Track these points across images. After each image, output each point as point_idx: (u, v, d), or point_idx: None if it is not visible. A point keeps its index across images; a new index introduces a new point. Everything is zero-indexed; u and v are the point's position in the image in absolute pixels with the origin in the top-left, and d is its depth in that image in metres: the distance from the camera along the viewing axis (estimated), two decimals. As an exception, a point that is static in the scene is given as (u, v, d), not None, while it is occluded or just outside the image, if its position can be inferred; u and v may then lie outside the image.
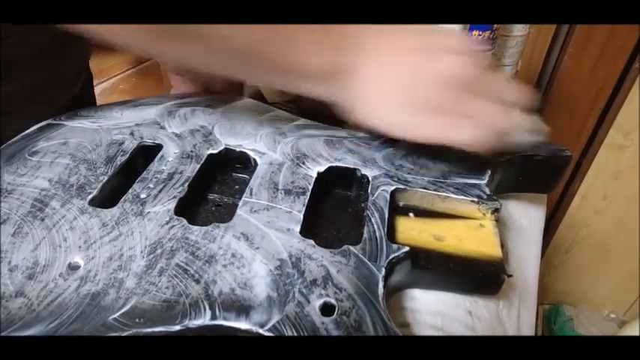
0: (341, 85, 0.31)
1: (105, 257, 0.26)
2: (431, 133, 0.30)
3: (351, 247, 0.27)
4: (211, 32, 0.28)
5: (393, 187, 0.32)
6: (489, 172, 0.33)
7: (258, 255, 0.26)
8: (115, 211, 0.29)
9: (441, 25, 0.46)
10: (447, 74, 0.30)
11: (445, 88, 0.30)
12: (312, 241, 0.27)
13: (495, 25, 0.51)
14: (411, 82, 0.30)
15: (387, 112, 0.31)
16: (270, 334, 0.23)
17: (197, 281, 0.25)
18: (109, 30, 0.27)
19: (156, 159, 0.33)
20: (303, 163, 0.33)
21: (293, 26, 0.29)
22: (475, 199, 0.31)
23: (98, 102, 0.46)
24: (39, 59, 0.38)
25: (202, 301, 0.24)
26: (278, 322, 0.23)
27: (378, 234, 0.28)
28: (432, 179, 0.33)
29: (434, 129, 0.30)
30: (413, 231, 0.31)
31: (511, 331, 0.31)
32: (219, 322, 0.23)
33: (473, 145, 0.30)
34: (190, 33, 0.28)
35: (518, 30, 0.57)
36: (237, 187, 0.35)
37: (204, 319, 0.23)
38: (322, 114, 0.36)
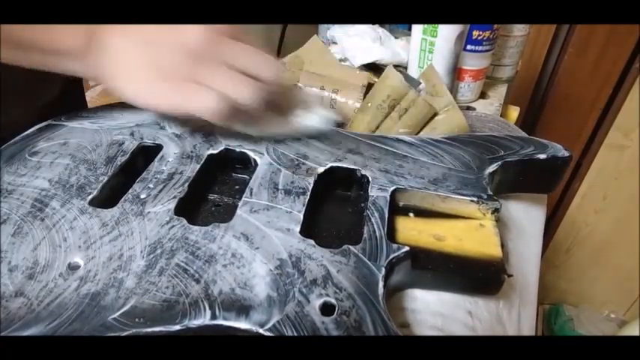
0: (92, 61, 0.31)
1: (105, 257, 0.26)
2: (165, 102, 0.31)
3: (351, 247, 0.27)
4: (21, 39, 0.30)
5: (393, 187, 0.32)
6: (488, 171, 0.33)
7: (258, 255, 0.26)
8: (115, 211, 0.29)
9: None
10: (182, 42, 0.30)
11: (181, 57, 0.30)
12: (312, 241, 0.27)
13: (495, 25, 0.51)
14: (150, 53, 0.31)
15: (129, 82, 0.31)
16: (270, 334, 0.23)
17: (197, 281, 0.25)
18: None
19: (156, 159, 0.33)
20: (303, 164, 0.33)
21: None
22: (475, 199, 0.31)
23: (98, 102, 0.46)
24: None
25: (202, 301, 0.24)
26: (278, 321, 0.23)
27: (378, 234, 0.28)
28: (431, 179, 0.33)
29: (168, 98, 0.31)
30: (413, 231, 0.31)
31: (511, 332, 0.31)
32: (219, 321, 0.23)
33: (207, 115, 0.31)
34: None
35: (518, 30, 0.57)
36: (237, 187, 0.35)
37: (204, 319, 0.23)
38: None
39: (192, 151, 0.34)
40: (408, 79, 0.46)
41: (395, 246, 0.27)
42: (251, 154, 0.34)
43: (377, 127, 0.41)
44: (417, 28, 0.49)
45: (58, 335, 0.22)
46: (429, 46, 0.49)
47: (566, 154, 0.35)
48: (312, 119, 0.35)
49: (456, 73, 0.52)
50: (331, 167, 0.33)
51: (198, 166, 0.33)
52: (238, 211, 0.29)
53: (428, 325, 0.28)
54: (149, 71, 0.31)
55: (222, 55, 0.31)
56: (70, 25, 0.30)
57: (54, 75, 0.32)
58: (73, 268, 0.25)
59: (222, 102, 0.30)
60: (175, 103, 0.31)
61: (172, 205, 0.29)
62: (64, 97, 0.46)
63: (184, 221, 0.28)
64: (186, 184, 0.31)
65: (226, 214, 0.33)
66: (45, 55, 0.31)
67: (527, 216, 0.39)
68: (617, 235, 0.98)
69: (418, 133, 0.41)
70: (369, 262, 0.26)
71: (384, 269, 0.26)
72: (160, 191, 0.30)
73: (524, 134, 0.48)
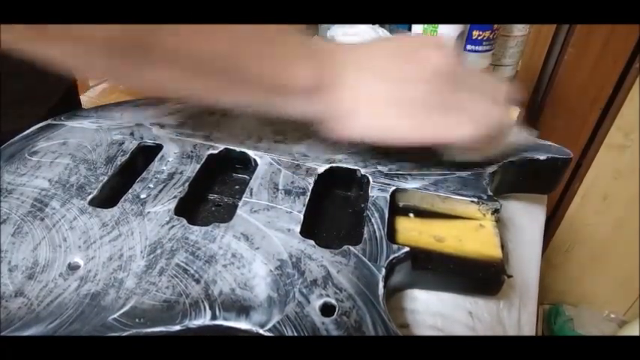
0: (324, 99, 0.29)
1: (105, 257, 0.26)
2: (426, 134, 0.30)
3: (351, 248, 0.27)
4: (181, 52, 0.25)
5: (393, 188, 0.32)
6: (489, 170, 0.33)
7: (259, 255, 0.26)
8: (115, 211, 0.29)
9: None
10: (431, 70, 0.29)
11: (432, 85, 0.29)
12: (312, 242, 0.27)
13: (495, 25, 0.51)
14: (398, 85, 0.29)
15: (379, 119, 0.30)
16: (270, 334, 0.23)
17: (197, 281, 0.25)
18: (59, 49, 0.24)
19: (156, 159, 0.33)
20: (304, 164, 0.33)
21: (264, 37, 0.27)
22: (475, 200, 0.31)
23: (98, 102, 0.46)
24: (15, 76, 0.37)
25: (202, 301, 0.24)
26: (278, 322, 0.23)
27: (378, 234, 0.28)
28: (432, 179, 0.33)
29: (429, 129, 0.30)
30: (413, 231, 0.31)
31: (511, 332, 0.31)
32: (220, 322, 0.23)
33: (469, 143, 0.30)
34: (157, 54, 0.24)
35: (518, 30, 0.57)
36: (237, 187, 0.35)
37: (204, 319, 0.23)
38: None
39: (192, 151, 0.34)
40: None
41: (395, 246, 0.27)
42: (251, 154, 0.34)
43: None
44: (417, 28, 0.49)
45: (58, 335, 0.22)
46: (429, 46, 0.49)
47: (567, 154, 0.35)
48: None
49: (456, 73, 0.52)
50: (331, 167, 0.33)
51: (199, 166, 0.33)
52: (238, 212, 0.29)
53: (428, 326, 0.28)
54: (397, 106, 0.29)
55: (463, 79, 0.30)
56: (301, 58, 0.28)
57: (59, 81, 0.31)
58: (73, 268, 0.25)
59: (479, 128, 0.29)
60: (436, 135, 0.30)
61: (172, 205, 0.29)
62: (63, 100, 0.46)
63: (184, 221, 0.28)
64: (187, 184, 0.31)
65: (226, 214, 0.33)
66: (266, 92, 0.28)
67: (527, 216, 0.39)
68: (617, 235, 0.98)
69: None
70: (369, 263, 0.26)
71: (384, 270, 0.26)
72: (160, 191, 0.30)
73: (524, 134, 0.48)
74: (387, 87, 0.29)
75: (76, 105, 0.52)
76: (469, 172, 0.33)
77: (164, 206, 0.29)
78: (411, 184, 0.32)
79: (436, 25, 0.47)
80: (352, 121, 0.30)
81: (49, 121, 0.37)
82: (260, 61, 0.27)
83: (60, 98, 0.44)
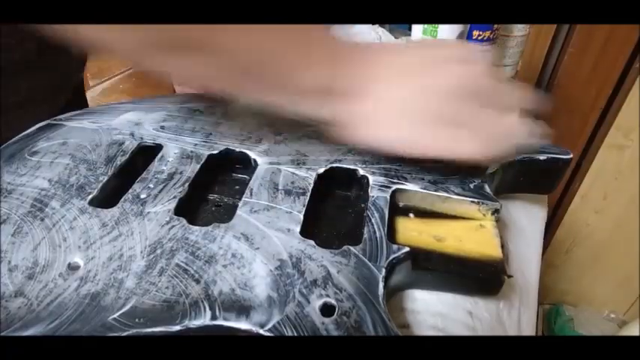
0: (339, 104, 0.30)
1: (105, 257, 0.26)
2: (441, 148, 0.30)
3: (352, 248, 0.27)
4: (214, 45, 0.26)
5: (393, 188, 0.32)
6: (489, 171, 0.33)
7: (259, 255, 0.26)
8: (115, 211, 0.29)
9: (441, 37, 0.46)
10: (454, 86, 0.29)
11: (454, 101, 0.29)
12: (312, 242, 0.27)
13: (495, 25, 0.51)
14: (418, 97, 0.29)
15: (394, 129, 0.30)
16: (270, 334, 0.23)
17: (197, 281, 0.25)
18: (99, 33, 0.25)
19: (156, 159, 0.33)
20: (304, 164, 0.33)
21: (289, 40, 0.28)
22: (475, 200, 0.31)
23: (98, 102, 0.46)
24: (26, 71, 0.38)
25: (202, 301, 0.24)
26: (278, 322, 0.23)
27: (378, 234, 0.28)
28: (432, 179, 0.33)
29: (444, 143, 0.30)
30: (413, 231, 0.31)
31: (512, 332, 0.31)
32: (220, 322, 0.23)
33: (485, 159, 0.30)
34: (193, 44, 0.26)
35: (518, 30, 0.57)
36: (237, 187, 0.35)
37: (204, 320, 0.23)
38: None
39: (192, 151, 0.34)
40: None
41: (395, 247, 0.27)
42: (251, 154, 0.34)
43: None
44: (417, 28, 0.49)
45: (58, 335, 0.22)
46: (429, 46, 0.49)
47: (567, 155, 0.35)
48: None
49: (456, 73, 0.52)
50: (331, 167, 0.33)
51: (199, 166, 0.33)
52: (238, 212, 0.29)
53: (428, 326, 0.28)
54: (413, 115, 0.29)
55: (493, 95, 0.30)
56: (316, 59, 0.28)
57: (68, 81, 0.31)
58: (73, 268, 0.25)
59: (503, 144, 0.30)
60: (452, 150, 0.30)
61: (172, 205, 0.29)
62: (72, 100, 0.46)
63: (184, 221, 0.28)
64: (187, 184, 0.31)
65: (226, 214, 0.33)
66: (280, 90, 0.29)
67: (527, 216, 0.39)
68: (617, 235, 0.98)
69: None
70: (369, 263, 0.26)
71: (384, 270, 0.26)
72: (160, 191, 0.30)
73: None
74: (404, 97, 0.29)
75: (83, 105, 0.52)
76: (469, 172, 0.33)
77: (164, 206, 0.29)
78: (411, 184, 0.32)
79: (436, 25, 0.47)
80: (364, 129, 0.30)
81: (48, 121, 0.37)
82: (277, 59, 0.28)
83: (68, 98, 0.44)
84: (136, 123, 0.37)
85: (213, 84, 0.31)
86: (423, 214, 0.32)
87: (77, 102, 0.51)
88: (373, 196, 0.31)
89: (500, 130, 0.30)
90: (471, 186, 0.32)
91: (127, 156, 0.33)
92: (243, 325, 0.23)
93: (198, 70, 0.28)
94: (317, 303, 0.24)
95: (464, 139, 0.30)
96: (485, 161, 0.31)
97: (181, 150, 0.34)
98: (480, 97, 0.30)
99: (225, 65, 0.27)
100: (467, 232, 0.31)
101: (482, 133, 0.30)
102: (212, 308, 0.23)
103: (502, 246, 0.30)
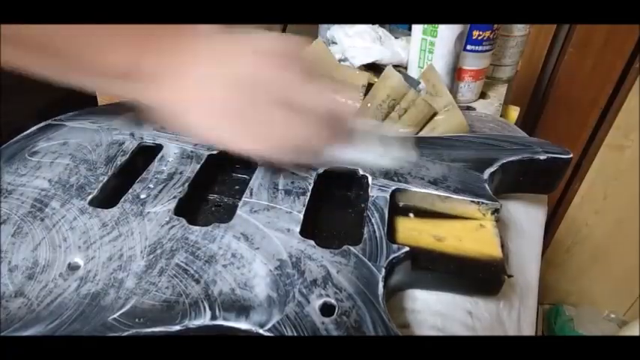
0: (143, 87, 0.29)
1: (105, 257, 0.26)
2: (224, 139, 0.29)
3: (351, 248, 0.27)
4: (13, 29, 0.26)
5: (393, 188, 0.32)
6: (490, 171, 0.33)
7: (259, 255, 0.26)
8: (115, 211, 0.29)
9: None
10: (247, 77, 0.28)
11: (247, 92, 0.28)
12: (312, 242, 0.27)
13: (495, 25, 0.51)
14: (210, 85, 0.28)
15: (185, 115, 0.29)
16: (270, 334, 0.23)
17: (197, 281, 0.25)
18: None
19: (156, 159, 0.33)
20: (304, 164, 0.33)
21: (98, 26, 0.27)
22: (475, 200, 0.31)
23: (98, 102, 0.46)
24: None
25: (202, 301, 0.24)
26: (278, 322, 0.23)
27: (378, 234, 0.28)
28: (432, 179, 0.33)
29: (228, 135, 0.29)
30: (413, 231, 0.31)
31: (511, 332, 0.31)
32: (219, 322, 0.23)
33: (269, 157, 0.29)
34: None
35: (518, 30, 0.57)
36: (237, 187, 0.35)
37: (204, 319, 0.23)
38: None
39: (192, 151, 0.34)
40: (408, 79, 0.46)
41: (395, 246, 0.27)
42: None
43: (377, 127, 0.41)
44: (417, 28, 0.49)
45: (58, 335, 0.22)
46: (429, 46, 0.49)
47: (567, 154, 0.35)
48: (385, 159, 0.33)
49: (456, 73, 0.52)
50: (331, 167, 0.33)
51: (198, 166, 0.33)
52: (238, 212, 0.29)
53: (428, 326, 0.28)
54: (203, 102, 0.29)
55: (283, 90, 0.28)
56: (117, 44, 0.28)
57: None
58: (73, 268, 0.25)
59: (293, 147, 0.29)
60: (234, 143, 0.29)
61: (172, 205, 0.29)
62: (73, 95, 0.45)
63: (184, 221, 0.28)
64: (186, 184, 0.31)
65: (226, 214, 0.33)
66: (86, 77, 0.29)
67: (527, 216, 0.39)
68: (617, 235, 0.98)
69: (418, 133, 0.41)
70: (369, 263, 0.26)
71: (384, 270, 0.26)
72: (160, 191, 0.30)
73: (524, 134, 0.48)
74: (199, 84, 0.28)
75: (90, 102, 0.52)
76: (470, 173, 0.33)
77: (164, 206, 0.29)
78: (410, 184, 0.32)
79: (436, 25, 0.47)
80: (161, 113, 0.29)
81: (49, 122, 0.37)
82: (81, 41, 0.27)
83: (68, 90, 0.44)
84: (136, 123, 0.37)
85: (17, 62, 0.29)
86: (423, 213, 0.32)
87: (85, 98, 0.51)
88: (373, 196, 0.31)
89: (282, 129, 0.29)
90: (471, 185, 0.32)
91: (127, 156, 0.33)
92: (243, 325, 0.23)
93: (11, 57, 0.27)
94: (317, 303, 0.24)
95: (240, 133, 0.29)
96: (258, 158, 0.30)
97: (181, 150, 0.34)
98: (288, 95, 0.28)
99: (31, 44, 0.27)
100: (467, 231, 0.31)
101: (263, 129, 0.29)
102: (212, 308, 0.23)
103: (502, 246, 0.30)
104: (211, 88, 0.28)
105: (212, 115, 0.29)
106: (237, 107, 0.28)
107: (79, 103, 0.42)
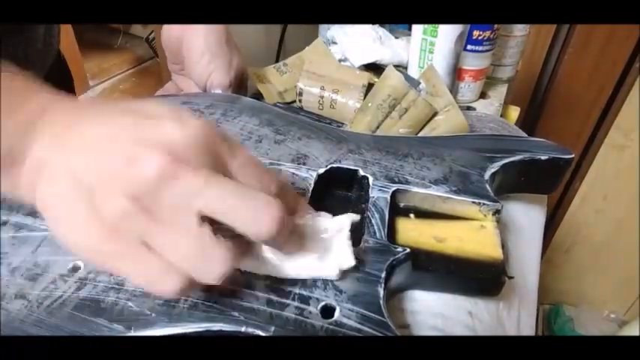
0: (14, 175, 0.22)
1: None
2: (95, 259, 0.21)
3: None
4: None
5: (393, 188, 0.32)
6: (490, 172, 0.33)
7: (259, 256, 0.26)
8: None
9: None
10: (131, 179, 0.20)
11: (123, 201, 0.20)
12: (312, 242, 0.27)
13: (495, 25, 0.51)
14: (87, 184, 0.20)
15: (55, 218, 0.21)
16: (270, 335, 0.22)
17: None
18: None
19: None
20: (304, 164, 0.33)
21: None
22: (476, 201, 0.31)
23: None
24: None
25: (202, 303, 0.24)
26: (278, 323, 0.23)
27: (378, 235, 0.28)
28: (432, 179, 0.32)
29: (100, 256, 0.21)
30: (413, 232, 0.31)
31: (511, 332, 0.31)
32: (220, 323, 0.23)
33: (164, 294, 0.21)
34: None
35: (518, 30, 0.57)
36: (237, 187, 0.35)
37: (204, 320, 0.23)
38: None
39: (192, 152, 0.34)
40: (408, 79, 0.46)
41: (395, 248, 0.27)
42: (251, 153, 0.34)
43: (377, 127, 0.41)
44: (417, 28, 0.49)
45: (59, 335, 0.22)
46: (429, 46, 0.49)
47: (568, 154, 0.35)
48: (325, 267, 0.25)
49: (456, 73, 0.52)
50: (331, 168, 0.33)
51: (199, 167, 0.33)
52: (238, 212, 0.29)
53: (428, 326, 0.28)
54: (82, 211, 0.20)
55: (184, 198, 0.20)
56: None
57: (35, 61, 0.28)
58: (73, 270, 0.25)
59: (181, 280, 0.20)
60: (115, 270, 0.21)
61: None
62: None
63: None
64: (187, 185, 0.31)
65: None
66: None
67: (527, 217, 0.39)
68: (617, 235, 0.98)
69: (418, 133, 0.41)
70: (369, 264, 0.26)
71: (384, 271, 0.26)
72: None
73: (524, 134, 0.48)
74: (78, 182, 0.20)
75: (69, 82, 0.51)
76: (470, 173, 0.33)
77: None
78: (411, 185, 0.32)
79: (436, 25, 0.47)
80: (43, 213, 0.21)
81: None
82: None
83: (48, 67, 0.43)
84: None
85: None
86: (424, 214, 0.32)
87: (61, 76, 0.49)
88: (373, 197, 0.31)
89: (187, 260, 0.20)
90: (472, 186, 0.32)
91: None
92: (243, 327, 0.23)
93: None
94: (317, 305, 0.24)
95: (133, 259, 0.20)
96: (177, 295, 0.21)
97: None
98: (184, 198, 0.20)
99: None
100: (468, 232, 0.31)
101: (165, 260, 0.20)
102: (212, 310, 0.23)
103: (502, 246, 0.30)
104: (76, 192, 0.20)
105: (102, 236, 0.20)
106: (129, 226, 0.20)
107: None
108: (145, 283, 0.21)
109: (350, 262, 0.25)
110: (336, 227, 0.26)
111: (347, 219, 0.26)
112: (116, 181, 0.20)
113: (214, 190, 0.20)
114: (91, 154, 0.21)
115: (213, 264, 0.20)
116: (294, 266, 0.24)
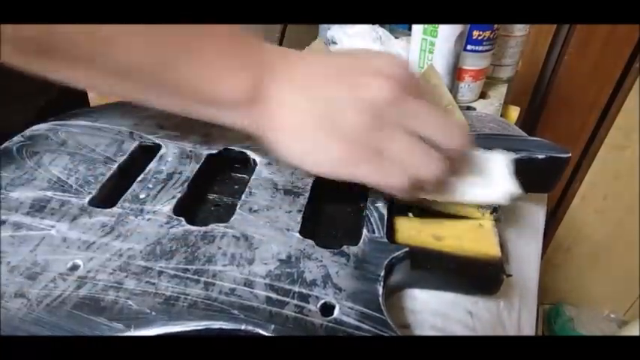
0: (253, 113, 0.27)
1: (104, 257, 0.26)
2: (340, 171, 0.27)
3: (351, 247, 0.27)
4: (95, 54, 0.24)
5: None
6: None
7: (258, 255, 0.26)
8: (115, 211, 0.29)
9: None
10: (368, 102, 0.26)
11: (362, 118, 0.26)
12: (311, 241, 0.27)
13: (495, 25, 0.51)
14: (325, 110, 0.26)
15: (295, 142, 0.27)
16: (270, 334, 0.22)
17: (197, 281, 0.25)
18: None
19: (155, 159, 0.33)
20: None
21: (195, 41, 0.25)
22: (475, 199, 0.31)
23: (98, 102, 0.46)
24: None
25: (202, 302, 0.24)
26: (278, 322, 0.23)
27: (377, 234, 0.28)
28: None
29: (344, 167, 0.27)
30: (412, 231, 0.31)
31: (512, 332, 0.31)
32: (219, 322, 0.23)
33: (392, 191, 0.28)
34: (75, 54, 0.24)
35: (519, 30, 0.57)
36: (236, 187, 0.35)
37: (203, 320, 0.23)
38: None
39: (191, 151, 0.34)
40: (408, 79, 0.45)
41: (394, 246, 0.27)
42: (250, 153, 0.34)
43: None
44: (417, 28, 0.49)
45: (59, 335, 0.22)
46: (429, 46, 0.49)
47: (565, 154, 0.35)
48: (492, 194, 0.30)
49: (456, 73, 0.52)
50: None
51: (198, 166, 0.33)
52: (238, 211, 0.29)
53: (428, 325, 0.28)
54: (322, 132, 0.26)
55: (405, 118, 0.26)
56: (232, 69, 0.26)
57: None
58: (72, 268, 0.25)
59: (408, 179, 0.27)
60: (353, 175, 0.27)
61: (171, 205, 0.29)
62: (64, 95, 0.45)
63: (183, 221, 0.28)
64: (186, 184, 0.31)
65: (226, 214, 0.33)
66: (198, 103, 0.27)
67: (527, 216, 0.39)
68: (617, 234, 0.98)
69: (418, 133, 0.41)
70: (368, 263, 0.26)
71: (383, 269, 0.26)
72: (159, 191, 0.30)
73: (524, 134, 0.48)
74: (319, 108, 0.26)
75: (81, 98, 0.51)
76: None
77: (163, 206, 0.29)
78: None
79: (436, 25, 0.47)
80: (277, 141, 0.28)
81: (48, 121, 0.37)
82: (182, 69, 0.25)
83: (59, 91, 0.44)
84: (135, 123, 0.37)
85: (117, 94, 0.28)
86: (422, 213, 0.32)
87: (76, 98, 0.50)
88: (372, 196, 0.31)
89: (418, 164, 0.27)
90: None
91: (127, 156, 0.33)
92: (243, 325, 0.23)
93: (93, 80, 0.26)
94: (317, 303, 0.24)
95: (372, 165, 0.27)
96: (401, 194, 0.28)
97: (180, 150, 0.34)
98: (402, 119, 0.26)
99: (115, 74, 0.25)
100: (466, 231, 0.31)
101: (400, 165, 0.27)
102: (212, 308, 0.23)
103: (501, 245, 0.30)
104: (312, 111, 0.26)
105: (318, 140, 0.27)
106: (361, 136, 0.26)
107: (73, 103, 0.42)
108: (380, 180, 0.27)
109: (517, 189, 0.29)
110: (499, 161, 0.32)
111: (507, 154, 0.33)
112: (354, 103, 0.26)
113: (430, 114, 0.27)
114: (325, 87, 0.27)
115: (433, 164, 0.27)
116: (469, 192, 0.30)
